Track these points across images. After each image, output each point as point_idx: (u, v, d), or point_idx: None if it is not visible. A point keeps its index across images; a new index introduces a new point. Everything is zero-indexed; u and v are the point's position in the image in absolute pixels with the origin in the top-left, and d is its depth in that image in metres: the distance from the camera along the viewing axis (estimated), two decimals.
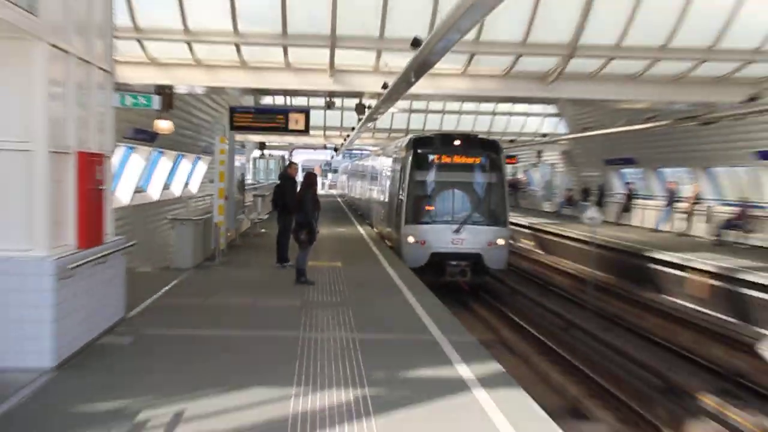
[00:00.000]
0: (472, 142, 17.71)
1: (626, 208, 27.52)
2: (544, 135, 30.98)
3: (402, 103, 22.87)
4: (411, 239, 16.59)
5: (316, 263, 13.30)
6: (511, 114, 31.49)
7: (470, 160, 17.19)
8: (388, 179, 20.41)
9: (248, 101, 23.94)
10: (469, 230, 16.51)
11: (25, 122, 6.54)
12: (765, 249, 18.84)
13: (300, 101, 24.69)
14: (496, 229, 16.76)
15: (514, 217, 25.37)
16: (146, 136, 16.58)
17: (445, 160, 17.18)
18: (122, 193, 17.96)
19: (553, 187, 38.45)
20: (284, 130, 17.54)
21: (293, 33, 13.38)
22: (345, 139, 35.20)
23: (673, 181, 25.18)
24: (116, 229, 8.79)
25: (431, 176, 17.23)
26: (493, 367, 7.32)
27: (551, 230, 25.64)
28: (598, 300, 16.23)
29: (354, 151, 51.39)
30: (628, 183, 28.66)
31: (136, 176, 18.58)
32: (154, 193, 21.16)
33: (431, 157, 17.22)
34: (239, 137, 26.09)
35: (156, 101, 13.67)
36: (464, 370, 7.09)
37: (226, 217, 15.10)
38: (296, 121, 17.26)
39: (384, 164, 22.71)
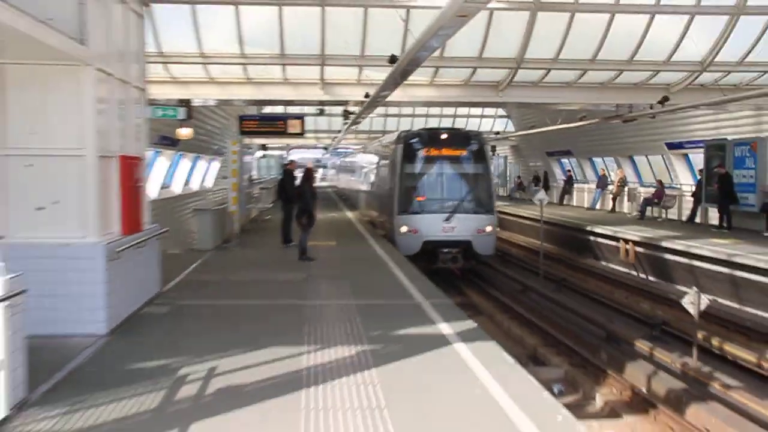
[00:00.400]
0: (459, 136, 16.46)
1: (566, 191, 27.70)
2: (497, 133, 31.04)
3: (379, 109, 22.82)
4: (404, 228, 15.10)
5: (315, 243, 13.39)
6: (469, 116, 31.47)
7: (457, 152, 15.74)
8: (379, 172, 18.94)
9: (252, 111, 23.76)
10: (458, 218, 14.99)
11: (79, 133, 6.61)
12: (678, 221, 19.16)
13: (296, 109, 24.54)
14: (484, 216, 15.28)
15: None
16: (170, 142, 16.48)
17: (434, 152, 15.66)
18: (151, 189, 17.78)
19: (506, 175, 38.63)
20: (284, 133, 17.59)
21: (290, 54, 13.40)
22: (333, 140, 35.18)
23: (603, 168, 25.49)
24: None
25: (421, 168, 15.75)
26: (468, 323, 7.41)
27: (507, 211, 25.64)
28: (548, 267, 16.34)
29: (339, 150, 51.20)
30: (567, 170, 28.94)
31: (161, 175, 18.48)
32: (176, 188, 21.01)
33: (421, 150, 15.70)
34: (246, 140, 25.95)
35: (181, 112, 13.68)
36: (444, 327, 7.16)
37: (239, 206, 15.11)
38: (294, 125, 17.26)
39: (374, 159, 21.16)
